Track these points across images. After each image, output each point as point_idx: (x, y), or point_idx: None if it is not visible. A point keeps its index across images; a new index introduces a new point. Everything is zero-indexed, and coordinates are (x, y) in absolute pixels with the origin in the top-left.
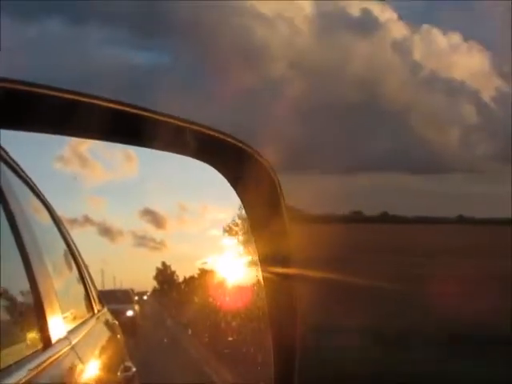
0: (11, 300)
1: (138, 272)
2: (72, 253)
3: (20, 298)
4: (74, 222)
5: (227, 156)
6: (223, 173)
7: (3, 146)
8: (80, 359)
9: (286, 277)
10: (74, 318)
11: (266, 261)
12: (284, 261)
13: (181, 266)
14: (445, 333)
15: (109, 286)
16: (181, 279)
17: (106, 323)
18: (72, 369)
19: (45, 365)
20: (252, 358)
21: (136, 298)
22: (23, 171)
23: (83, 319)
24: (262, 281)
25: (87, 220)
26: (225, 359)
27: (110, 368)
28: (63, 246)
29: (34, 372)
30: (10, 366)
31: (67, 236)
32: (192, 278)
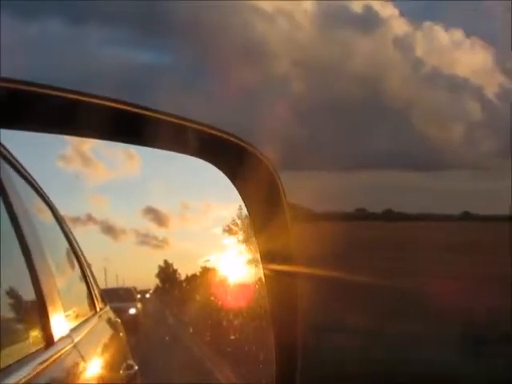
0: (14, 298)
1: (140, 270)
2: (74, 251)
3: (22, 297)
4: (76, 220)
5: (229, 155)
6: (225, 171)
7: (6, 145)
8: (82, 357)
9: (287, 275)
10: (77, 316)
11: (267, 259)
12: (286, 259)
13: (183, 264)
14: (446, 332)
15: (111, 284)
16: (183, 277)
17: (109, 321)
18: (74, 367)
19: (47, 363)
20: (254, 356)
21: (138, 296)
22: (25, 170)
23: (85, 317)
24: (263, 279)
25: (90, 218)
26: (227, 357)
27: (112, 366)
28: (66, 244)
29: (37, 370)
30: (13, 364)
31: (70, 234)
32: (194, 276)
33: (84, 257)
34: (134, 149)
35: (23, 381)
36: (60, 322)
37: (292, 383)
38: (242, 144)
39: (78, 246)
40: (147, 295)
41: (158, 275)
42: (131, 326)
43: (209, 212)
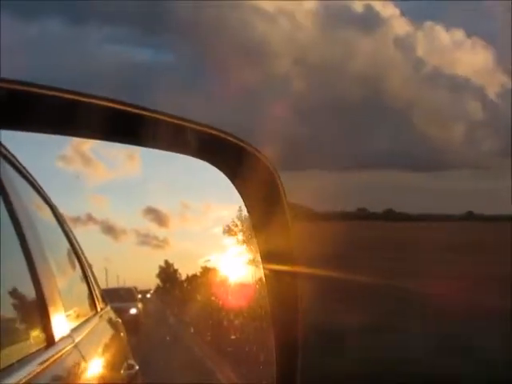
0: (14, 298)
1: (141, 270)
2: (75, 251)
3: (23, 297)
4: (77, 220)
5: (228, 155)
6: (225, 171)
7: (6, 145)
8: (83, 357)
9: (288, 275)
10: (77, 316)
11: (267, 259)
12: (286, 259)
13: (183, 264)
14: (447, 332)
15: (112, 285)
16: (183, 277)
17: (109, 321)
18: (75, 367)
19: (48, 363)
20: (254, 356)
21: (139, 296)
22: (26, 170)
23: (86, 317)
24: (263, 279)
25: (90, 218)
26: (227, 358)
27: (113, 366)
28: (66, 244)
29: (38, 370)
30: (14, 364)
31: (70, 234)
32: (195, 276)
33: (85, 257)
34: (134, 149)
35: (24, 380)
36: (61, 322)
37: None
38: (241, 144)
39: (79, 246)
40: (148, 295)
41: (159, 275)
42: (132, 326)
43: (209, 212)
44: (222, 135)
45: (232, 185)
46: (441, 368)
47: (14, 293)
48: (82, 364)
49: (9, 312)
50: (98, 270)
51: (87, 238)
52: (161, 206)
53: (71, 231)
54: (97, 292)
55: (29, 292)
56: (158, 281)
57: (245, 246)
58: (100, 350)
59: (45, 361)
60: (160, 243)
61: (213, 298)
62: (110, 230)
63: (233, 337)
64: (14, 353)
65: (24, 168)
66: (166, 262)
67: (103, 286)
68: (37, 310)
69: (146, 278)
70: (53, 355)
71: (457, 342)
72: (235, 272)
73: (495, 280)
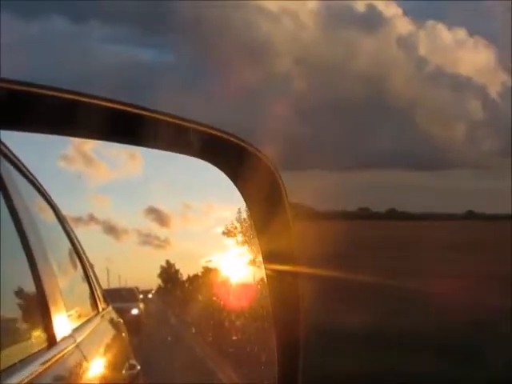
0: (16, 298)
1: (142, 270)
2: (77, 251)
3: (25, 296)
4: (78, 220)
5: (229, 155)
6: (226, 171)
7: (7, 144)
8: (85, 357)
9: (289, 275)
10: (79, 317)
11: (269, 259)
12: (287, 259)
13: (185, 264)
14: (448, 331)
15: (114, 285)
16: (185, 277)
17: (111, 321)
18: (77, 367)
19: (50, 363)
20: (256, 357)
21: (141, 296)
22: (28, 170)
23: (88, 317)
24: (265, 279)
25: (92, 218)
26: (229, 358)
27: (114, 366)
28: (68, 244)
29: (39, 370)
30: (15, 364)
31: (72, 234)
32: (196, 276)
33: (86, 257)
34: (135, 149)
35: (26, 381)
36: (62, 322)
37: None
38: (243, 144)
39: (81, 246)
40: (149, 295)
41: (160, 275)
42: (133, 326)
43: (210, 212)
44: (224, 135)
45: (233, 185)
46: (441, 368)
47: (15, 293)
48: (84, 364)
49: (10, 312)
50: (99, 270)
51: (89, 237)
52: (162, 206)
53: (73, 231)
54: (98, 292)
55: (30, 292)
56: (159, 281)
57: (246, 246)
58: (102, 350)
59: (46, 361)
60: (161, 243)
61: (214, 299)
62: (111, 229)
63: (234, 337)
64: (15, 353)
65: (25, 168)
66: (168, 262)
67: (105, 286)
68: (38, 310)
69: (147, 278)
70: (54, 355)
71: (457, 341)
72: (237, 272)
73: (496, 279)
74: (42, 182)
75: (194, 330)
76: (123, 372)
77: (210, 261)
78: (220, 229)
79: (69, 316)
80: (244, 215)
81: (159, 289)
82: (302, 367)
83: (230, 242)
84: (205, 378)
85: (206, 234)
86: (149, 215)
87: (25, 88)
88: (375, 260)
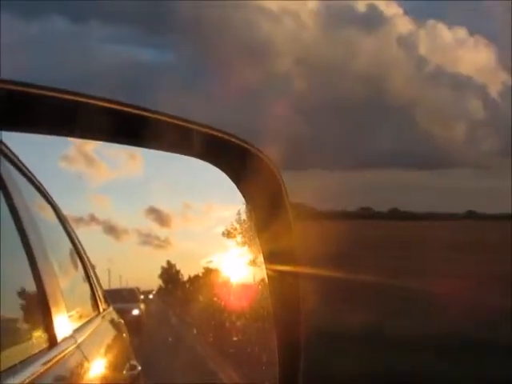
0: (17, 299)
1: (142, 271)
2: (77, 251)
3: (25, 297)
4: (79, 220)
5: (231, 156)
6: (227, 172)
7: (8, 144)
8: (86, 358)
9: (290, 275)
10: (80, 317)
11: (270, 259)
12: (288, 259)
13: (185, 264)
14: (448, 331)
15: (115, 285)
16: (185, 278)
17: (112, 322)
18: (78, 367)
19: (51, 363)
20: (257, 357)
21: (141, 296)
22: (28, 170)
23: (89, 318)
24: (266, 279)
25: (92, 218)
26: (230, 358)
27: (115, 367)
28: (69, 244)
29: (40, 370)
30: (16, 364)
31: (73, 234)
32: (197, 276)
33: (87, 257)
34: (136, 149)
35: (27, 381)
36: (63, 323)
37: None
38: (244, 145)
39: (81, 246)
40: (150, 296)
41: (161, 276)
42: (134, 327)
43: (211, 212)
44: (225, 136)
45: (234, 185)
46: (441, 368)
47: (16, 293)
48: (85, 364)
49: (11, 312)
50: (100, 271)
51: (89, 238)
52: (163, 206)
53: (73, 231)
54: (99, 292)
55: (31, 292)
56: (160, 281)
57: (247, 247)
58: (102, 350)
59: (47, 361)
60: (162, 243)
61: (215, 299)
62: (112, 230)
63: (235, 338)
64: (16, 353)
65: (26, 168)
66: (168, 262)
67: (106, 286)
68: (39, 311)
69: (148, 279)
70: (55, 356)
71: (457, 341)
72: (237, 273)
73: (497, 278)
74: (42, 182)
75: (194, 331)
76: (124, 372)
77: (211, 261)
78: (221, 229)
79: (70, 316)
80: (244, 216)
81: (160, 289)
82: (302, 368)
83: (230, 242)
84: (206, 378)
85: (206, 234)
86: (149, 215)
87: (25, 88)
88: (377, 259)
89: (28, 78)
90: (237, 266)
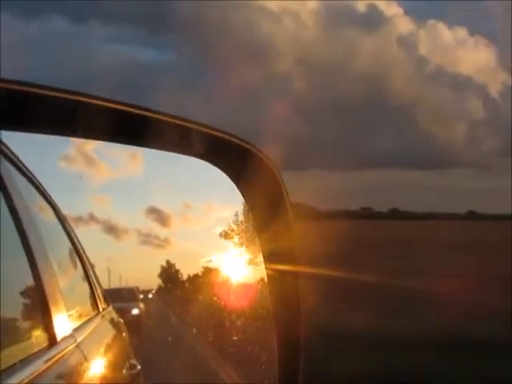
0: (16, 298)
1: (142, 270)
2: (77, 251)
3: (25, 296)
4: (79, 220)
5: (231, 156)
6: (227, 172)
7: (8, 144)
8: (85, 357)
9: (290, 275)
10: (79, 316)
11: (270, 259)
12: (288, 259)
13: (185, 264)
14: (448, 331)
15: (115, 285)
16: (185, 277)
17: (111, 321)
18: (77, 367)
19: (50, 363)
20: (257, 356)
21: (141, 296)
22: (28, 170)
23: (88, 317)
24: (266, 279)
25: (92, 218)
26: (230, 358)
27: (115, 366)
28: (68, 244)
29: (40, 370)
30: (15, 364)
31: (72, 234)
32: (196, 276)
33: (87, 256)
34: (136, 149)
35: (26, 380)
36: (63, 322)
37: None
38: (244, 145)
39: (81, 246)
40: (150, 295)
41: (161, 275)
42: (134, 326)
43: (211, 212)
44: (225, 136)
45: (234, 185)
46: (441, 367)
47: (15, 292)
48: (84, 364)
49: (11, 312)
50: (100, 270)
51: (89, 237)
52: (163, 205)
53: (73, 231)
54: (99, 292)
55: (30, 292)
56: (159, 281)
57: (246, 246)
58: (102, 349)
59: (47, 361)
60: (162, 243)
61: (215, 298)
62: (111, 229)
63: (235, 337)
64: (16, 353)
65: (26, 168)
66: (168, 262)
67: (106, 285)
68: (39, 310)
69: (147, 278)
70: (55, 355)
71: (457, 341)
72: (237, 272)
73: (497, 278)
74: (43, 182)
75: (194, 330)
76: (123, 372)
77: (211, 261)
78: (220, 229)
79: (69, 316)
80: (242, 217)
81: (159, 289)
82: (302, 367)
83: (230, 242)
84: (206, 378)
85: (206, 234)
86: (149, 215)
87: (25, 88)
88: (377, 259)
89: (28, 77)
90: (236, 266)
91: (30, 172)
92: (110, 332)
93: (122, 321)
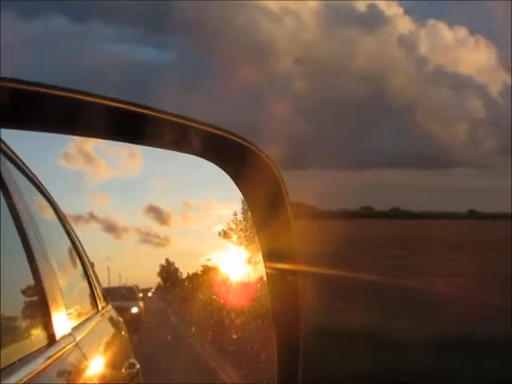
0: (16, 296)
1: (142, 268)
2: (76, 249)
3: (24, 295)
4: (78, 218)
5: (231, 154)
6: (227, 170)
7: (7, 143)
8: (84, 356)
9: (289, 273)
10: (79, 315)
11: (269, 257)
12: (287, 257)
13: (184, 262)
14: (449, 331)
15: (114, 283)
16: (184, 276)
17: (111, 320)
18: (76, 365)
19: (49, 361)
20: (256, 355)
21: (140, 294)
22: (28, 168)
23: (88, 316)
24: (265, 278)
25: (92, 217)
26: (229, 357)
27: (114, 365)
28: (68, 242)
29: (39, 368)
30: (15, 362)
31: (72, 233)
32: (196, 274)
33: (86, 255)
34: (136, 147)
35: (25, 379)
36: (62, 321)
37: (294, 383)
38: (244, 143)
39: (80, 245)
40: (149, 294)
41: (160, 274)
42: (133, 325)
43: (210, 210)
44: (225, 134)
45: (233, 183)
46: (441, 368)
47: (15, 291)
48: (84, 363)
49: (10, 310)
50: (100, 269)
51: (89, 236)
52: (162, 204)
53: (73, 229)
54: (98, 290)
55: (30, 290)
56: (159, 279)
57: (246, 245)
58: (101, 348)
59: (46, 359)
60: (161, 241)
61: (214, 297)
62: (111, 228)
63: (234, 336)
64: (15, 351)
65: (26, 166)
66: (167, 260)
67: (105, 284)
68: (38, 309)
69: (147, 277)
70: (54, 354)
71: (457, 341)
72: (236, 271)
73: (497, 277)
74: (42, 181)
75: (193, 329)
76: (123, 371)
77: (210, 259)
78: (220, 227)
79: (68, 314)
80: (242, 215)
81: (159, 287)
82: (301, 366)
83: (229, 241)
84: (205, 377)
85: (205, 232)
86: (149, 213)
87: (25, 87)
88: (378, 258)
89: (28, 77)
90: (236, 264)
91: (29, 170)
92: (110, 331)
93: (121, 319)
